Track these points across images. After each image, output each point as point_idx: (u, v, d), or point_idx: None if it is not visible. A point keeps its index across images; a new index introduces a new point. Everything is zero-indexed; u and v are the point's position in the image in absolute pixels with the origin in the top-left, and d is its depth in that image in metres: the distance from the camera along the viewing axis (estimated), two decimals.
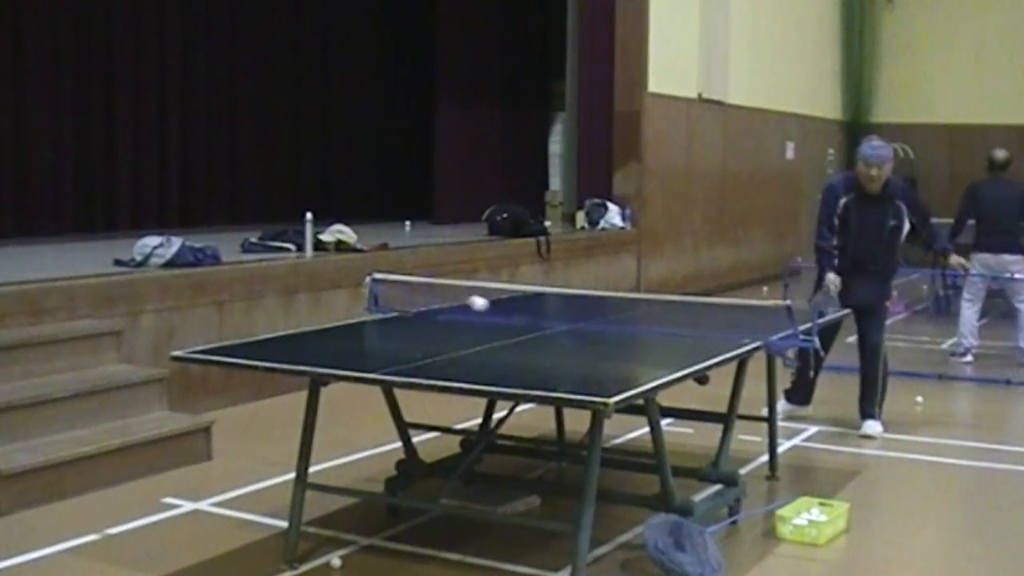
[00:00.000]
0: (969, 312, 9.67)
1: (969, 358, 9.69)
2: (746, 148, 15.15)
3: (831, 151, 18.10)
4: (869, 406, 7.15)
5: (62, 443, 5.77)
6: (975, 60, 18.22)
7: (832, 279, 6.87)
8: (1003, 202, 9.48)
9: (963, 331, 9.72)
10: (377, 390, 5.08)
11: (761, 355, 5.46)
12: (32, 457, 5.56)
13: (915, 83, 18.58)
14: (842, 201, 7.00)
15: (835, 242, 6.99)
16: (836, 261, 6.95)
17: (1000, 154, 9.66)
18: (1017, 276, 9.42)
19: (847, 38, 18.64)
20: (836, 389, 7.52)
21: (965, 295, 9.73)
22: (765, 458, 6.19)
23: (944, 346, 10.59)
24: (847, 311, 6.57)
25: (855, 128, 18.59)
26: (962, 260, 8.29)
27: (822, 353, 6.43)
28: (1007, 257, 9.42)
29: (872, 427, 7.11)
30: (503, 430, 5.61)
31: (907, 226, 6.98)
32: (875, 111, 18.89)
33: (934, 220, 7.48)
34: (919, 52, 18.60)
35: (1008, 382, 8.98)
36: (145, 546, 5.01)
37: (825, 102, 18.06)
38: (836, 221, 7.00)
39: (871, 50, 18.79)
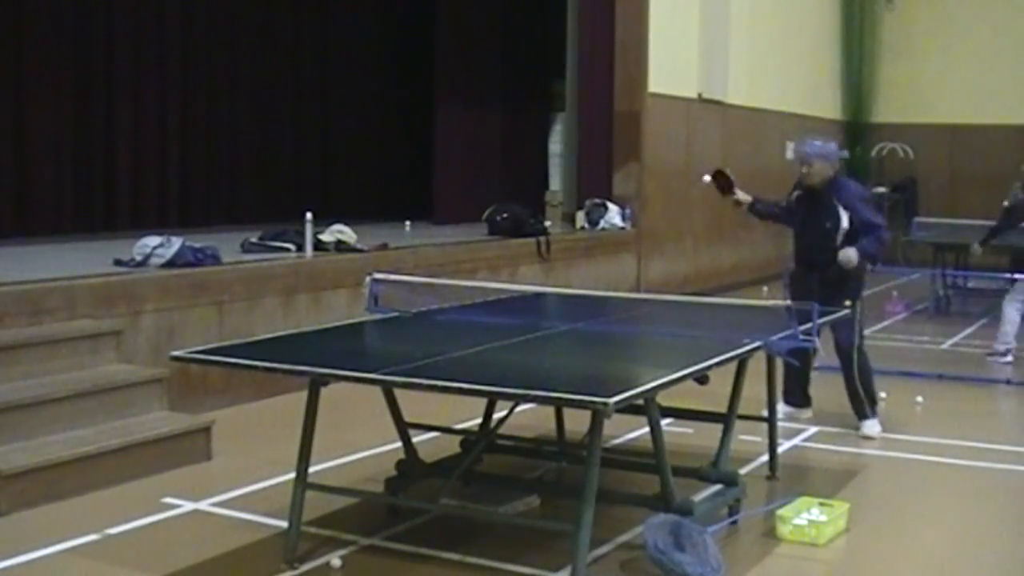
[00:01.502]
0: (1016, 314, 9.89)
1: (1010, 358, 9.79)
2: (746, 148, 15.13)
3: None
4: (859, 406, 7.16)
5: (62, 443, 5.77)
6: (975, 60, 18.20)
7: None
8: None
9: (1008, 330, 9.86)
10: (377, 390, 5.08)
11: (761, 355, 5.46)
12: (32, 457, 5.56)
13: (915, 83, 18.56)
14: (795, 194, 7.32)
15: (775, 209, 7.52)
16: (758, 205, 7.52)
17: None
18: None
19: (847, 38, 18.62)
20: (836, 389, 7.50)
21: (1018, 297, 9.90)
22: (765, 458, 6.19)
23: (944, 346, 10.61)
24: (846, 311, 6.56)
25: (855, 128, 18.59)
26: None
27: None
28: None
29: (870, 427, 7.11)
30: (503, 430, 5.61)
31: (844, 227, 6.96)
32: (875, 111, 18.87)
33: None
34: (919, 52, 18.58)
35: (1008, 382, 9.01)
36: (145, 546, 5.01)
37: (825, 102, 18.04)
38: (784, 204, 7.44)
39: (871, 50, 18.77)
